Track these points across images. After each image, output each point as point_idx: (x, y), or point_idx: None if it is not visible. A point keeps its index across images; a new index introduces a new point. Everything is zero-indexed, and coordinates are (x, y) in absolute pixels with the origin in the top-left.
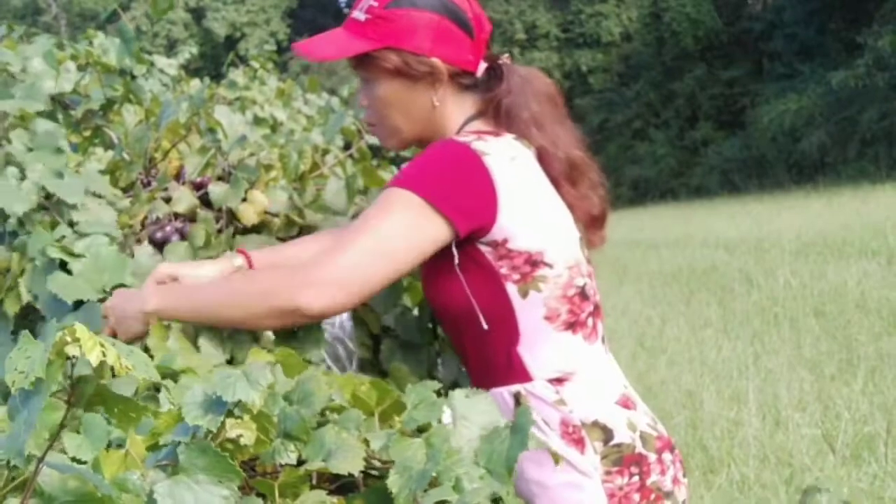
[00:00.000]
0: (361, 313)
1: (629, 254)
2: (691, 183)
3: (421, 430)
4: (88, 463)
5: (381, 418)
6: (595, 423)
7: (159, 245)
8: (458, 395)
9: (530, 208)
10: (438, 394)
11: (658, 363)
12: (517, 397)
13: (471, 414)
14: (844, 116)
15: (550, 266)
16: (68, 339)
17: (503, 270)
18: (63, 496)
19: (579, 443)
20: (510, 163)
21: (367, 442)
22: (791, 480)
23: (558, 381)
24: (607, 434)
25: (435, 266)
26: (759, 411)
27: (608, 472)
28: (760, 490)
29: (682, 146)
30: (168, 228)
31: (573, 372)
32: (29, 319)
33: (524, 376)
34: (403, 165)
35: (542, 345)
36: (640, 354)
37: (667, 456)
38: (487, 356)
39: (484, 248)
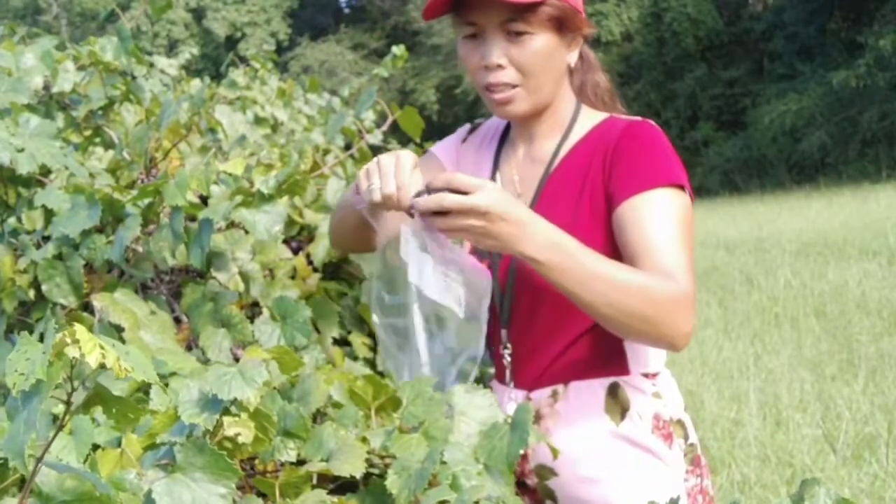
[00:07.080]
0: (361, 312)
1: None
2: (692, 183)
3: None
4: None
5: (378, 414)
6: (679, 421)
7: None
8: (457, 390)
9: None
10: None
11: None
12: (611, 389)
13: (469, 409)
14: (845, 116)
15: None
16: (68, 340)
17: None
18: (60, 495)
19: (668, 437)
20: None
21: (366, 440)
22: (792, 480)
23: (652, 375)
24: (685, 432)
25: (584, 235)
26: (759, 411)
27: (686, 471)
28: (761, 490)
29: (682, 146)
30: None
31: (660, 371)
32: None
33: (623, 369)
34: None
35: None
36: None
37: (703, 461)
38: (596, 343)
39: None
